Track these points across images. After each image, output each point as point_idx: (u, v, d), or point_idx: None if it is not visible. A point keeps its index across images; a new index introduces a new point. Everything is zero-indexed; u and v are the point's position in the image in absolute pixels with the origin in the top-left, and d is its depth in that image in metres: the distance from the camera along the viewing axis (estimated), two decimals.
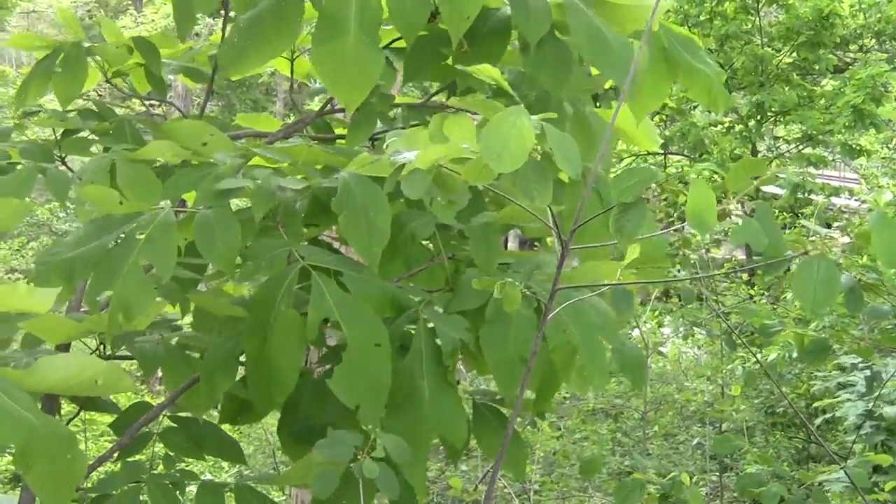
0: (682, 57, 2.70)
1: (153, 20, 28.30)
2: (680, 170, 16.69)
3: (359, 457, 2.23)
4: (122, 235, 2.29)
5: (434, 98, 3.16)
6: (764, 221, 2.13)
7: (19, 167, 2.75)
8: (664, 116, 16.86)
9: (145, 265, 2.28)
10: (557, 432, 9.00)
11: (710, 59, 2.78)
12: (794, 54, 15.57)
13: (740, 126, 16.03)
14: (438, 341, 2.42)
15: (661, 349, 7.69)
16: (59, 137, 3.04)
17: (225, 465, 9.82)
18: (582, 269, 2.47)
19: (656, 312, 9.69)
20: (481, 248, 2.50)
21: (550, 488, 8.45)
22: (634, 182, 2.07)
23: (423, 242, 2.71)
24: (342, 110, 3.33)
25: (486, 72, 2.11)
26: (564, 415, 9.46)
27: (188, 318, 2.90)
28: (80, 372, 2.15)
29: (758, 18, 15.62)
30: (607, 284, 2.37)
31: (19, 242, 18.66)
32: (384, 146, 2.28)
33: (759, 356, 5.81)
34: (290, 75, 3.41)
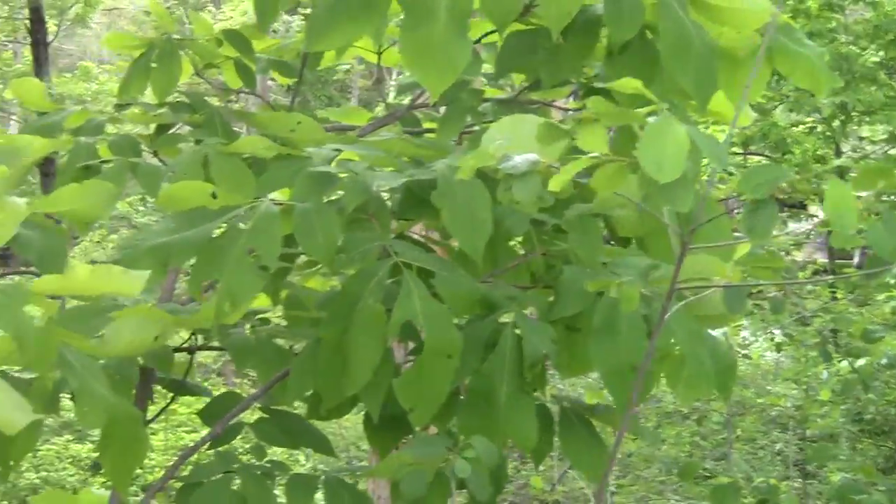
0: (781, 41, 2.65)
1: (231, 17, 28.60)
2: None
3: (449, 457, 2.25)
4: (224, 226, 2.30)
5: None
6: (890, 226, 2.06)
7: (109, 165, 2.78)
8: None
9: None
10: (634, 435, 8.93)
11: (809, 41, 2.72)
12: (882, 53, 15.30)
13: (823, 126, 15.79)
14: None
15: (745, 352, 7.60)
16: (152, 132, 3.07)
17: (301, 458, 9.88)
18: (691, 265, 2.43)
19: None
20: (583, 241, 2.46)
21: (627, 491, 8.39)
22: (766, 179, 2.02)
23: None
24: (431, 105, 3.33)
25: (630, 85, 2.10)
26: (642, 417, 9.39)
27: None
28: (142, 330, 2.21)
29: (842, 16, 15.39)
30: (723, 286, 2.32)
31: (100, 234, 18.90)
32: (482, 137, 2.26)
33: (851, 364, 5.71)
34: (375, 64, 3.42)
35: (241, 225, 2.27)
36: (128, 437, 2.11)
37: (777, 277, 2.44)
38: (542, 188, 2.10)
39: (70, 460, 10.41)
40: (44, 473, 10.06)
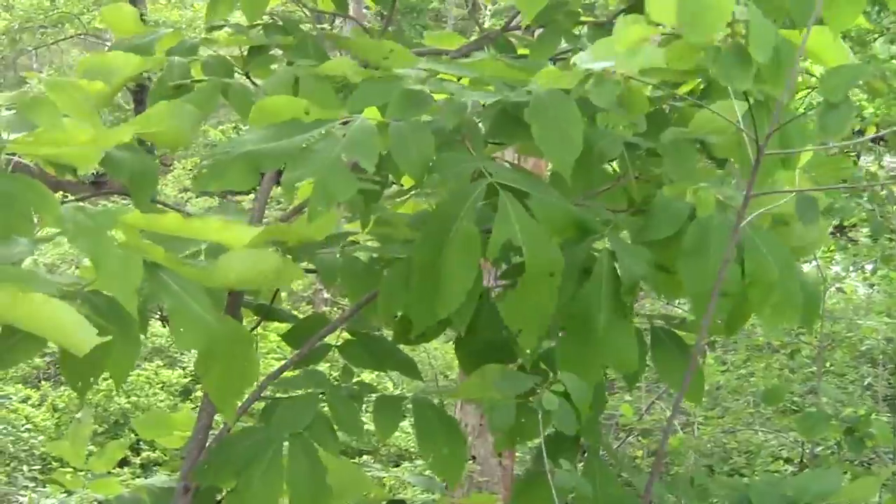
0: None
1: None
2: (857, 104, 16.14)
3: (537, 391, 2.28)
4: (320, 134, 2.27)
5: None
6: None
7: (201, 84, 2.77)
8: None
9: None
10: (722, 367, 8.87)
11: None
12: None
13: None
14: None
15: (838, 285, 7.47)
16: (245, 54, 3.06)
17: (390, 385, 9.93)
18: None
19: (830, 247, 9.40)
20: (678, 163, 2.41)
21: (714, 423, 8.35)
22: (843, 80, 1.96)
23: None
24: (526, 27, 3.28)
25: None
26: (730, 349, 9.31)
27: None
28: (256, 265, 2.18)
29: None
30: (797, 190, 2.27)
31: (192, 163, 19.06)
32: (571, 61, 2.23)
33: None
34: None
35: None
36: (234, 359, 2.07)
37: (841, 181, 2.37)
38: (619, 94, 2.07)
39: (160, 386, 10.63)
40: (134, 398, 10.34)
